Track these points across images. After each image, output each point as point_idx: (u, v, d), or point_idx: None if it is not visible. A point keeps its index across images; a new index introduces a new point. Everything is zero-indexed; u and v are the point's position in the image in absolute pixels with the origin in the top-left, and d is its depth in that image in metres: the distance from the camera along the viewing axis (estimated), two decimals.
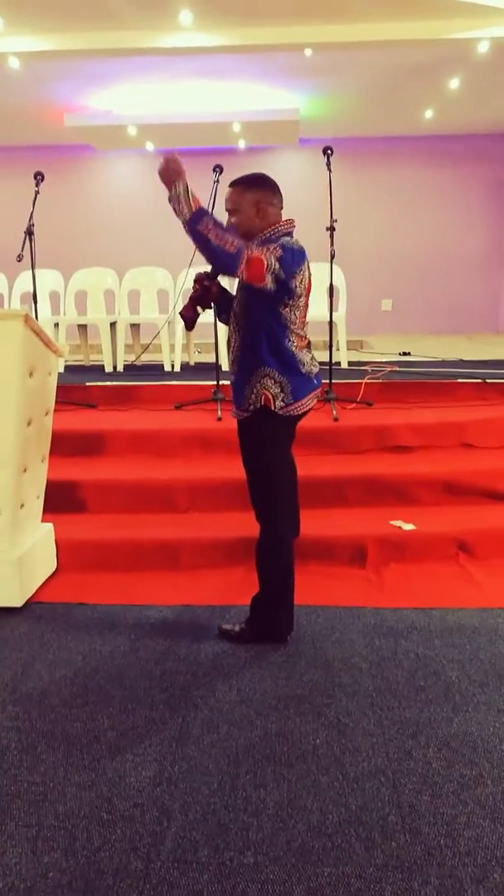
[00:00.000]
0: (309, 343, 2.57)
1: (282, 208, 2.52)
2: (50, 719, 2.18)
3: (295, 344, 2.48)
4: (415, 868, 1.61)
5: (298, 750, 2.02)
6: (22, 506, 2.95)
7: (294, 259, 2.38)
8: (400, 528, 3.40)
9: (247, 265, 2.29)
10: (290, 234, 2.48)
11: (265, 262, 2.30)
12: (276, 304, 2.40)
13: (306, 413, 2.58)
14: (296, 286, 2.39)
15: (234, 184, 2.52)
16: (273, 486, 2.57)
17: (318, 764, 1.96)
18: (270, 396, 2.45)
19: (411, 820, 1.75)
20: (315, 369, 2.58)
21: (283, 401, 2.46)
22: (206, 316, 5.89)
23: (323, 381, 4.36)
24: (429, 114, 7.78)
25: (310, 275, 2.49)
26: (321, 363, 4.29)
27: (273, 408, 2.46)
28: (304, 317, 2.52)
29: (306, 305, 2.51)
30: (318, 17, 5.07)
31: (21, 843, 1.69)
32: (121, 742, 2.06)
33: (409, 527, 3.41)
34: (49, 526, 3.23)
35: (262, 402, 2.46)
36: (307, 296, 2.51)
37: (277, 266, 2.32)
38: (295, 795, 1.84)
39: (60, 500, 3.54)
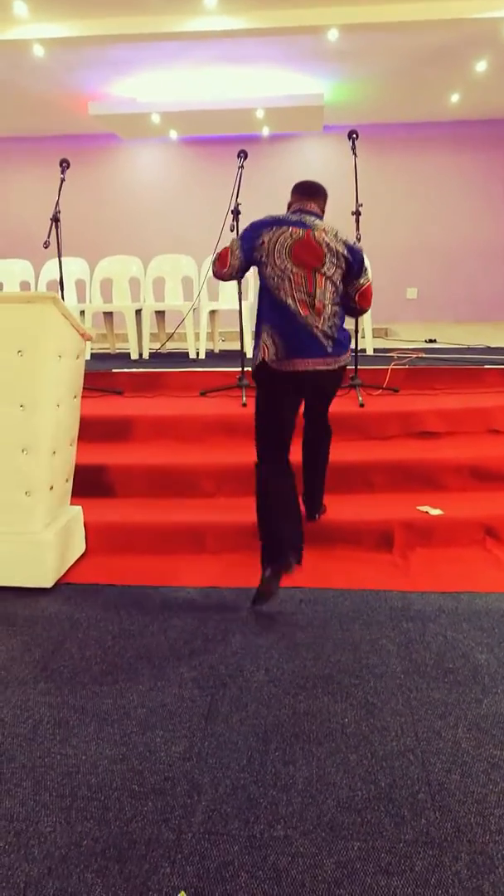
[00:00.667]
0: (317, 310, 2.83)
1: (292, 201, 3.02)
2: (81, 695, 2.21)
3: (287, 305, 2.84)
4: (445, 845, 1.61)
5: (327, 728, 2.03)
6: (52, 488, 2.99)
7: (244, 234, 2.92)
8: (427, 513, 3.39)
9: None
10: (270, 218, 2.93)
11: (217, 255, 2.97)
12: (261, 274, 2.90)
13: (298, 374, 2.85)
14: (258, 256, 2.87)
15: None
16: (256, 428, 2.98)
17: (347, 742, 1.97)
18: (263, 350, 2.85)
19: (441, 798, 1.76)
20: (319, 336, 2.84)
21: (274, 355, 2.84)
22: (232, 303, 5.92)
23: (349, 367, 4.38)
24: (455, 98, 7.67)
25: (288, 236, 2.84)
26: None
27: (266, 359, 2.84)
28: (301, 280, 2.83)
29: (299, 267, 2.82)
30: None
31: (55, 812, 1.72)
32: (151, 718, 2.09)
33: (436, 512, 3.39)
34: (78, 508, 3.27)
35: (260, 357, 2.86)
36: (290, 258, 2.83)
37: (231, 254, 2.91)
38: (324, 772, 1.85)
39: (89, 483, 3.58)
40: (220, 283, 6.08)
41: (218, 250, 3.00)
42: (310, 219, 2.93)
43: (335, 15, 5.19)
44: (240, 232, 2.98)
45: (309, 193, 3.03)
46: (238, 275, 2.99)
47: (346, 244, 2.91)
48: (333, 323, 2.86)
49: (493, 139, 8.72)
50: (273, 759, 1.91)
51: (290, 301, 2.82)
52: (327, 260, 2.84)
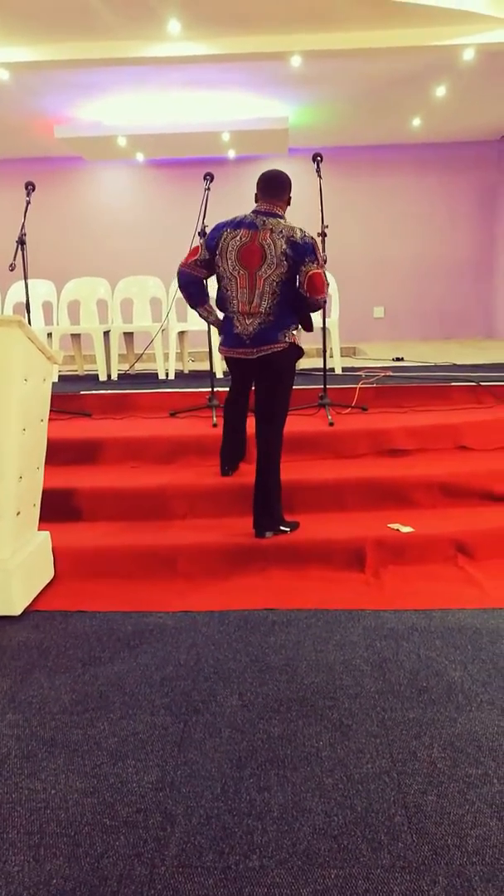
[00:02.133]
0: (256, 308, 3.17)
1: (257, 201, 3.29)
2: (50, 726, 2.15)
3: (231, 302, 3.24)
4: (423, 868, 1.59)
5: (302, 753, 2.00)
6: (18, 513, 2.93)
7: (210, 233, 3.35)
8: (398, 530, 3.40)
9: None
10: (231, 219, 3.29)
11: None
12: (217, 273, 3.31)
13: (235, 360, 3.33)
14: (216, 253, 3.25)
15: None
16: None
17: (322, 766, 1.94)
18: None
19: (418, 820, 1.74)
20: (243, 330, 3.22)
21: (221, 343, 3.37)
22: (201, 324, 5.93)
23: (317, 386, 4.41)
24: (416, 122, 7.84)
25: (238, 239, 3.19)
26: (316, 370, 4.54)
27: (220, 345, 3.40)
28: (249, 284, 3.17)
29: (242, 269, 3.17)
30: (305, 26, 5.12)
31: (23, 850, 1.66)
32: (122, 748, 2.04)
33: (407, 529, 3.40)
34: (46, 534, 3.21)
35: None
36: (238, 260, 3.18)
37: (200, 249, 3.34)
38: (299, 798, 1.82)
39: (57, 508, 3.52)
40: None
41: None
42: (261, 219, 3.18)
43: (298, 42, 5.29)
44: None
45: (266, 191, 3.27)
46: (201, 268, 3.34)
47: (289, 240, 3.11)
48: (265, 321, 3.18)
49: (454, 161, 8.93)
50: (248, 786, 1.87)
51: (233, 300, 3.23)
52: (265, 263, 3.12)
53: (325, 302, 3.27)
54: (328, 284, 3.28)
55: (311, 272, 3.13)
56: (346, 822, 1.74)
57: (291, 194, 3.34)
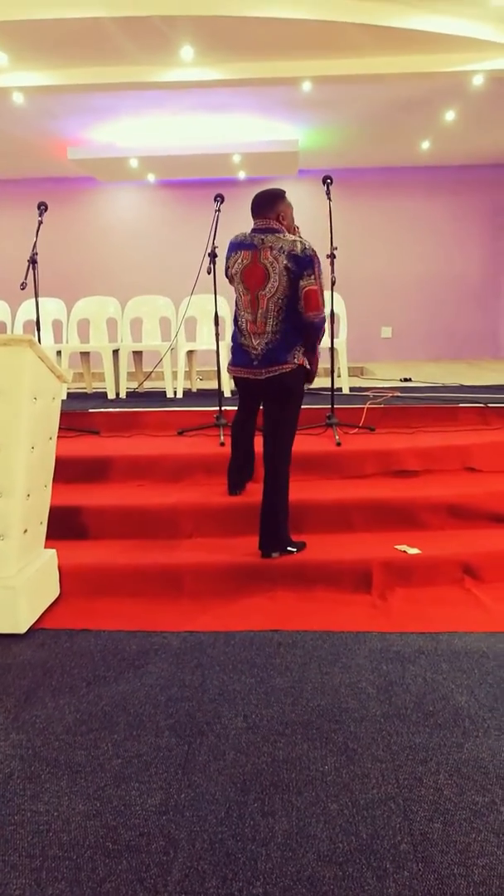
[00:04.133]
0: (262, 328, 3.20)
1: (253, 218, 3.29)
2: (54, 747, 2.14)
3: (240, 322, 3.30)
4: None
5: (307, 776, 1.99)
6: (25, 531, 2.94)
7: (226, 254, 3.35)
8: (405, 552, 3.39)
9: None
10: (235, 240, 3.31)
11: None
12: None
13: (244, 380, 3.35)
14: (230, 274, 3.30)
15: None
16: None
17: (327, 791, 1.92)
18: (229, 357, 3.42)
19: (423, 848, 1.72)
20: (251, 350, 3.25)
21: (230, 362, 3.40)
22: (209, 344, 5.98)
23: (324, 406, 4.42)
24: (425, 145, 7.92)
25: (240, 261, 3.23)
26: (323, 389, 4.55)
27: (229, 364, 3.41)
28: (247, 302, 3.23)
29: (246, 290, 3.23)
30: (315, 52, 5.19)
31: (25, 873, 1.65)
32: (126, 770, 2.03)
33: (414, 551, 3.39)
34: (52, 552, 3.21)
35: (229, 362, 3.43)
36: (242, 282, 3.24)
37: None
38: (304, 823, 1.80)
39: (64, 526, 3.53)
40: (198, 323, 6.16)
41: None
42: (259, 238, 3.18)
43: (308, 67, 5.36)
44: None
45: (256, 209, 3.26)
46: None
47: (290, 254, 3.10)
48: (272, 340, 3.19)
49: (463, 184, 9.00)
50: (252, 810, 1.85)
51: (242, 321, 3.29)
52: (268, 282, 3.12)
53: (322, 321, 3.22)
54: (325, 304, 3.25)
55: (307, 287, 3.11)
56: (351, 849, 1.72)
57: (286, 206, 3.28)
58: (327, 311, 4.27)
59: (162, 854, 1.71)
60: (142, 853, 1.71)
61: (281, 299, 3.14)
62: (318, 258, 3.18)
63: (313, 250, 3.17)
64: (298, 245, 3.13)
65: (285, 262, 3.10)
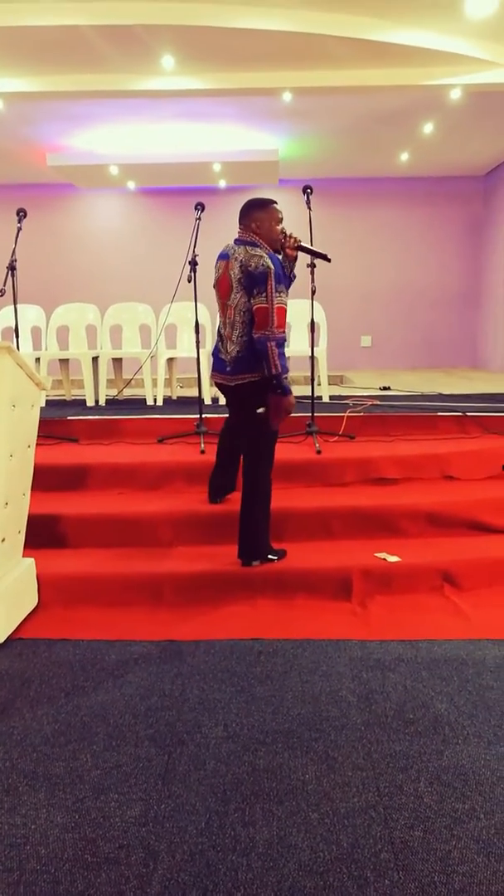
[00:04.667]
0: (230, 336, 3.21)
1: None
2: (31, 759, 2.12)
3: (219, 328, 3.35)
4: None
5: (287, 786, 1.98)
6: (3, 540, 2.91)
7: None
8: (385, 559, 3.40)
9: None
10: (221, 251, 3.27)
11: None
12: None
13: (220, 385, 3.36)
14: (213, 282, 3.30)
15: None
16: None
17: (308, 800, 1.92)
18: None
19: (404, 857, 1.72)
20: (225, 357, 3.27)
21: (210, 368, 3.47)
22: (189, 351, 5.97)
23: (305, 414, 4.44)
24: (404, 156, 8.02)
25: (218, 270, 3.25)
26: (303, 398, 4.53)
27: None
28: (224, 313, 3.25)
29: (219, 298, 3.27)
30: (296, 63, 5.24)
31: (2, 887, 1.62)
32: (105, 781, 2.00)
33: (393, 559, 3.40)
34: (30, 561, 3.18)
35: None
36: (216, 290, 3.26)
37: None
38: (285, 833, 1.80)
39: (42, 534, 3.50)
40: (178, 331, 6.16)
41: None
42: (233, 248, 3.19)
43: (289, 78, 5.41)
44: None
45: (239, 220, 3.26)
46: None
47: (245, 268, 3.09)
48: (241, 349, 3.18)
49: (442, 195, 9.12)
50: (232, 820, 1.84)
51: (220, 326, 3.34)
52: (232, 293, 3.15)
53: (267, 340, 3.04)
54: (274, 322, 3.03)
55: (256, 305, 3.03)
56: (332, 858, 1.71)
57: (263, 214, 3.17)
58: (307, 319, 4.23)
59: (142, 866, 1.69)
60: (121, 865, 1.69)
61: (243, 311, 3.13)
62: (271, 275, 3.01)
63: (267, 267, 3.01)
64: (254, 260, 3.03)
65: (239, 274, 3.10)
